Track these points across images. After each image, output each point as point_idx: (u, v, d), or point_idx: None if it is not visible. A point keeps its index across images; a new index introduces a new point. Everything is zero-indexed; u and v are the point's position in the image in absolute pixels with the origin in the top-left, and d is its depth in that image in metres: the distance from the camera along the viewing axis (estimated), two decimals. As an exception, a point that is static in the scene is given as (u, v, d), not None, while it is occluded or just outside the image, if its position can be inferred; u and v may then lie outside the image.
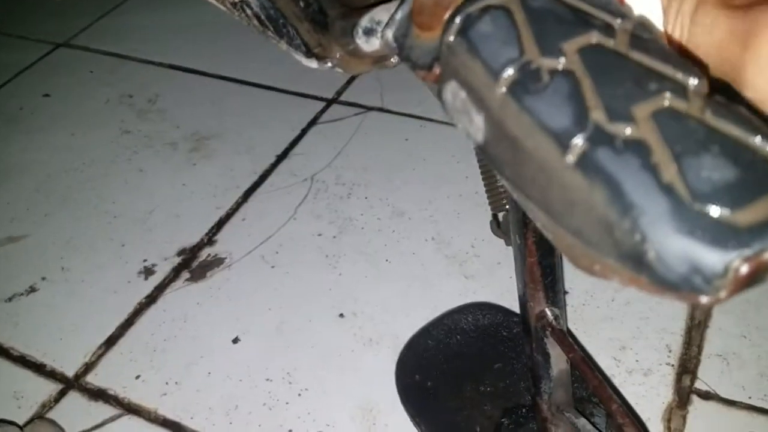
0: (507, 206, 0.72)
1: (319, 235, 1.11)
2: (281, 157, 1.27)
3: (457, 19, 0.32)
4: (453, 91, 0.33)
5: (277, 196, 1.19)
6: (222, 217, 1.16)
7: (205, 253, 1.10)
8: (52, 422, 0.87)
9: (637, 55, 0.29)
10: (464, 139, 1.12)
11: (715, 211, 0.23)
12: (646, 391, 0.85)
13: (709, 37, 0.27)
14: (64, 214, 1.19)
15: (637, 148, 0.25)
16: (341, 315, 0.98)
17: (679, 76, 0.28)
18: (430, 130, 1.28)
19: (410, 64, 0.38)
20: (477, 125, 0.32)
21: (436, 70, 0.36)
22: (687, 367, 0.87)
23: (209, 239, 1.12)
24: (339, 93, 1.40)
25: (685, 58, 0.29)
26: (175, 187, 1.23)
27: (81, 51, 1.63)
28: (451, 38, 0.33)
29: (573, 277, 0.96)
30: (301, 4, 0.52)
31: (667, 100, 0.26)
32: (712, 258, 0.23)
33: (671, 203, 0.24)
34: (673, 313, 0.93)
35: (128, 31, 1.68)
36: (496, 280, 0.99)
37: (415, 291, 1.00)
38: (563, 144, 0.27)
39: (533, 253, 0.66)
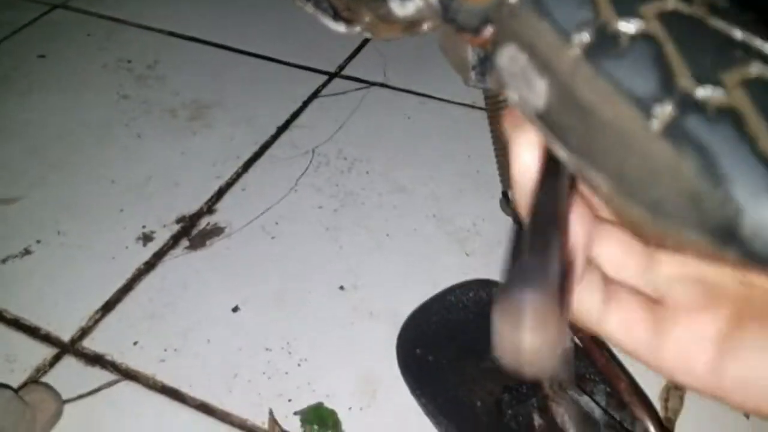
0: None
1: (320, 207, 1.10)
2: (282, 129, 1.26)
3: (524, -20, 0.31)
4: (511, 54, 0.32)
5: (278, 168, 1.18)
6: (222, 187, 1.14)
7: (204, 222, 1.08)
8: (47, 386, 0.85)
9: (717, 22, 0.28)
10: (466, 117, 1.11)
11: (815, 182, 0.22)
12: (644, 370, 0.85)
13: None
14: (60, 177, 1.17)
15: (730, 116, 0.24)
16: (341, 287, 0.97)
17: (762, 45, 0.27)
18: (432, 108, 1.27)
19: (455, 26, 0.37)
20: (538, 91, 0.31)
21: (486, 32, 0.35)
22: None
23: (209, 208, 1.10)
24: (341, 67, 1.38)
25: (763, 27, 0.28)
26: (174, 155, 1.20)
27: (79, 13, 1.58)
28: (514, 0, 0.31)
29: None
30: (334, -36, 0.50)
31: (755, 68, 0.25)
32: (812, 231, 0.22)
33: (768, 176, 0.23)
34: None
35: (126, -6, 1.64)
36: (496, 259, 0.99)
37: (416, 267, 0.99)
38: (647, 111, 0.26)
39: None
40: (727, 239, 0.24)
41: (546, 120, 0.32)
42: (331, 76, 1.37)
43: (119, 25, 1.54)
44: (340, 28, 0.51)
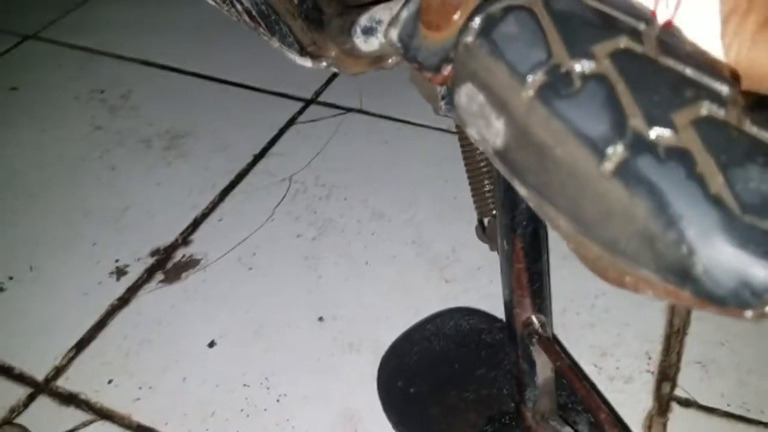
0: (494, 211, 0.71)
1: (298, 236, 1.09)
2: (258, 157, 1.25)
3: (477, 20, 0.31)
4: (469, 93, 0.32)
5: (255, 197, 1.17)
6: (197, 217, 1.13)
7: (179, 254, 1.06)
8: (22, 427, 0.83)
9: (667, 61, 0.28)
10: (443, 143, 1.11)
11: (766, 223, 0.22)
12: (627, 399, 0.85)
13: None
14: (33, 211, 1.15)
15: (681, 157, 0.24)
16: (320, 318, 0.96)
17: (712, 83, 0.27)
18: (409, 133, 1.27)
19: (416, 65, 0.37)
20: (496, 130, 0.31)
21: (445, 71, 0.35)
22: (667, 374, 0.87)
23: (184, 239, 1.09)
24: (317, 93, 1.38)
25: (713, 64, 0.28)
26: (148, 186, 1.19)
27: (50, 44, 1.57)
28: (470, 39, 0.31)
29: (553, 283, 0.96)
30: (295, 0, 0.50)
31: (705, 108, 0.25)
32: (764, 272, 0.22)
33: (720, 215, 0.23)
34: (653, 319, 0.93)
35: (100, 25, 1.63)
36: (477, 285, 0.98)
37: (396, 295, 0.99)
38: (600, 151, 0.25)
39: (521, 259, 0.66)
40: (681, 279, 0.24)
41: (504, 158, 0.32)
42: (308, 102, 1.37)
43: (91, 55, 1.53)
44: (307, 63, 0.51)
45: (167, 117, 1.34)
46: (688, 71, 0.27)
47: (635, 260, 0.26)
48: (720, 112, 0.25)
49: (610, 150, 0.25)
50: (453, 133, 1.24)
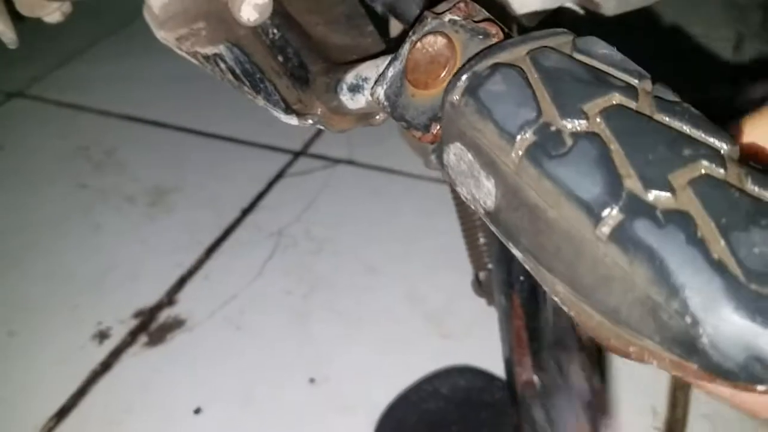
0: (490, 265, 0.70)
1: (288, 293, 1.06)
2: (247, 211, 1.23)
3: (463, 78, 0.30)
4: (457, 153, 0.31)
5: (243, 252, 1.15)
6: (183, 276, 1.10)
7: (164, 315, 1.04)
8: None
9: (662, 118, 0.27)
10: (435, 193, 1.09)
11: (774, 292, 0.20)
12: None
13: None
14: (13, 274, 1.12)
15: (680, 220, 0.23)
16: (312, 380, 0.93)
17: (710, 140, 0.26)
18: (400, 184, 1.27)
19: (405, 123, 0.36)
20: (486, 190, 0.29)
21: (434, 130, 0.34)
22: (674, 429, 0.84)
23: (169, 299, 1.06)
24: (306, 145, 1.38)
25: (711, 121, 0.27)
26: (132, 244, 1.17)
27: (35, 102, 1.57)
28: (456, 98, 0.30)
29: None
30: (280, 58, 0.49)
31: (704, 167, 0.24)
32: (775, 343, 0.20)
33: (725, 283, 0.21)
34: (658, 372, 0.90)
35: (85, 81, 1.63)
36: (475, 340, 0.96)
37: (391, 353, 0.96)
38: (595, 214, 0.24)
39: (520, 315, 0.64)
40: (687, 351, 0.22)
41: (496, 219, 0.31)
42: (297, 154, 1.36)
43: (77, 111, 1.52)
44: (292, 120, 0.50)
45: (153, 172, 1.33)
46: (686, 128, 0.26)
47: (638, 330, 0.24)
48: (720, 172, 0.24)
49: (605, 213, 0.24)
50: (445, 182, 1.23)
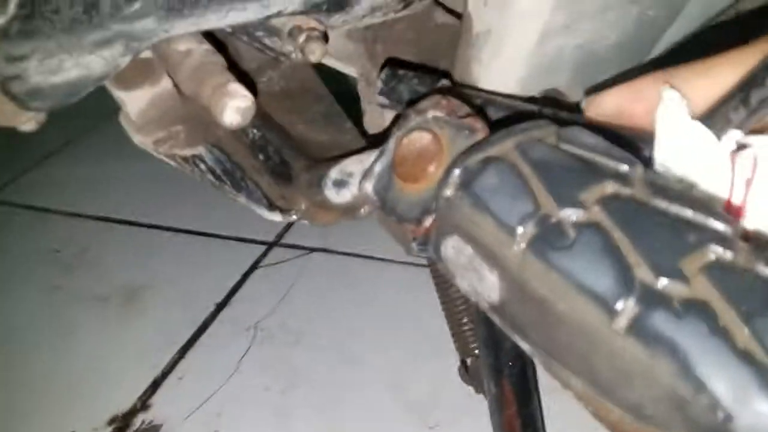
0: (476, 351, 0.68)
1: (267, 389, 1.02)
2: (221, 306, 1.21)
3: (456, 173, 0.30)
4: (456, 246, 0.30)
5: (218, 349, 1.11)
6: (157, 378, 1.06)
7: (138, 420, 0.99)
8: None
9: (659, 203, 0.27)
10: (414, 277, 1.07)
11: (808, 381, 0.20)
12: None
13: None
14: (-23, 386, 1.06)
15: (699, 310, 0.22)
16: (297, 481, 0.88)
17: (712, 223, 0.26)
18: (377, 270, 1.26)
19: (395, 217, 0.35)
20: (490, 283, 0.29)
21: (426, 222, 0.34)
22: None
23: (143, 404, 1.01)
24: (280, 236, 1.37)
25: (708, 202, 0.27)
26: (105, 346, 1.12)
27: (6, 206, 1.55)
28: (449, 192, 0.30)
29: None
30: (261, 157, 0.49)
31: (713, 252, 0.24)
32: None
33: (755, 373, 0.21)
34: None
35: (55, 184, 1.62)
36: (464, 431, 0.92)
37: (376, 447, 0.92)
38: (608, 307, 0.23)
39: (511, 403, 0.62)
40: (720, 445, 0.21)
41: (502, 313, 0.30)
42: (270, 245, 1.35)
43: (47, 214, 1.50)
44: (276, 216, 0.49)
45: (125, 271, 1.30)
46: (686, 212, 0.26)
47: (665, 426, 0.23)
48: (728, 255, 0.24)
49: (619, 305, 0.23)
50: (423, 266, 1.22)
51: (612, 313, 0.23)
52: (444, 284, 0.67)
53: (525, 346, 0.29)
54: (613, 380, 0.24)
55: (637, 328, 0.23)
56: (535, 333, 0.27)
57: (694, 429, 0.22)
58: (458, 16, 0.54)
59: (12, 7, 0.33)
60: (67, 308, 1.22)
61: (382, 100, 0.47)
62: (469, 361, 0.70)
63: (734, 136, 0.28)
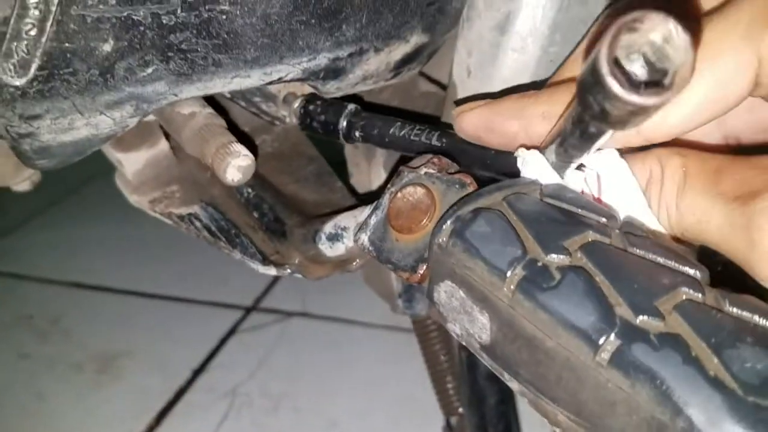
0: (461, 409, 0.69)
1: (246, 456, 1.01)
2: (198, 372, 1.19)
3: (449, 222, 0.33)
4: (448, 290, 0.33)
5: (195, 416, 1.09)
6: (132, 446, 1.04)
7: (113, 491, 0.96)
8: None
9: (636, 250, 0.29)
10: (394, 341, 1.08)
11: (770, 403, 0.22)
12: None
13: (700, 226, 0.28)
14: (-58, 456, 1.02)
15: (673, 342, 0.25)
16: None
17: (684, 269, 0.28)
18: (356, 334, 1.26)
19: (391, 266, 0.37)
20: (481, 324, 0.31)
21: (421, 270, 0.36)
22: None
23: (118, 473, 0.99)
24: (258, 300, 1.37)
25: (678, 249, 0.30)
26: (79, 415, 1.10)
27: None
28: (443, 240, 0.33)
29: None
30: (256, 214, 0.51)
31: (684, 293, 0.27)
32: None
33: (725, 398, 0.23)
34: None
35: (29, 250, 1.61)
36: (446, 494, 0.91)
37: None
38: (593, 342, 0.26)
39: (497, 459, 0.63)
40: (696, 464, 0.23)
41: (492, 353, 0.32)
42: (248, 310, 1.35)
43: (20, 281, 1.49)
44: (271, 271, 0.51)
45: (100, 339, 1.29)
46: (660, 259, 0.28)
47: (646, 452, 0.25)
48: (698, 296, 0.26)
49: (602, 339, 0.26)
50: (403, 330, 1.23)
51: (596, 347, 0.25)
52: (428, 342, 0.68)
53: (514, 385, 0.31)
54: (599, 410, 0.26)
55: (619, 359, 0.25)
56: (525, 371, 0.29)
57: (672, 452, 0.24)
58: (441, 85, 0.58)
59: (32, 69, 0.35)
60: (40, 375, 1.19)
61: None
62: (453, 420, 0.71)
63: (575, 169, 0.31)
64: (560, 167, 0.33)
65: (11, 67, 0.35)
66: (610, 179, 0.31)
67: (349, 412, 1.07)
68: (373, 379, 1.14)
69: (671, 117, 0.27)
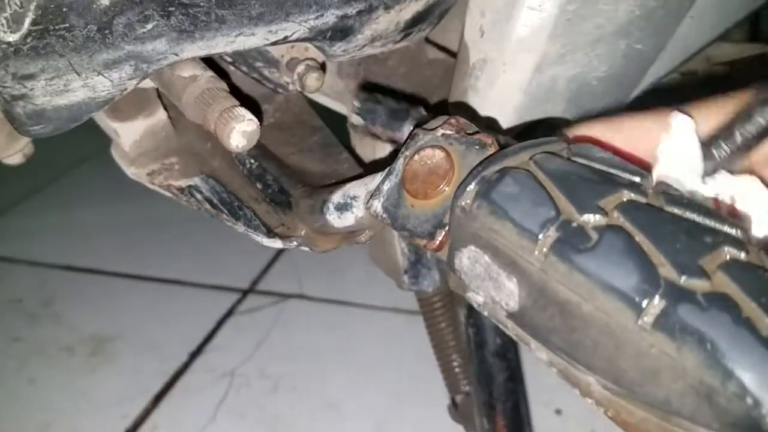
0: (467, 388, 0.68)
1: (245, 438, 0.99)
2: (195, 354, 1.18)
3: (473, 184, 0.31)
4: (472, 256, 0.31)
5: (194, 397, 1.08)
6: (128, 429, 1.02)
7: (109, 475, 0.94)
8: None
9: (673, 210, 0.28)
10: (393, 322, 1.07)
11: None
12: None
13: None
14: (-67, 442, 1.00)
15: (722, 302, 0.23)
16: None
17: (724, 228, 0.27)
18: (354, 315, 1.25)
19: (407, 233, 0.36)
20: (508, 291, 0.29)
21: (439, 237, 0.34)
22: None
23: (114, 456, 0.97)
24: (254, 282, 1.36)
25: (714, 211, 0.28)
26: (72, 398, 1.08)
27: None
28: (466, 203, 0.31)
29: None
30: (259, 186, 0.50)
31: (728, 252, 0.25)
32: None
33: (781, 360, 0.21)
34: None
35: (19, 234, 1.58)
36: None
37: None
38: (636, 304, 0.24)
39: (505, 437, 0.62)
40: (749, 434, 0.22)
41: (521, 320, 0.30)
42: (245, 292, 1.33)
43: (9, 264, 1.46)
44: (276, 243, 0.49)
45: (92, 321, 1.26)
46: (698, 218, 0.27)
47: (692, 419, 0.23)
48: (742, 255, 0.25)
49: (646, 302, 0.24)
50: (402, 311, 1.22)
51: (638, 310, 0.24)
52: (434, 320, 0.67)
53: (543, 354, 0.29)
54: (640, 378, 0.24)
55: (664, 322, 0.23)
56: (558, 338, 0.27)
57: (722, 418, 0.22)
58: (449, 52, 0.56)
59: (26, 23, 0.33)
60: (29, 359, 1.17)
61: (357, 120, 0.48)
62: (459, 398, 0.70)
63: (721, 179, 0.30)
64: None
65: (3, 22, 0.32)
66: (748, 201, 0.29)
67: (347, 393, 1.06)
68: (371, 360, 1.13)
69: None
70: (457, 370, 0.68)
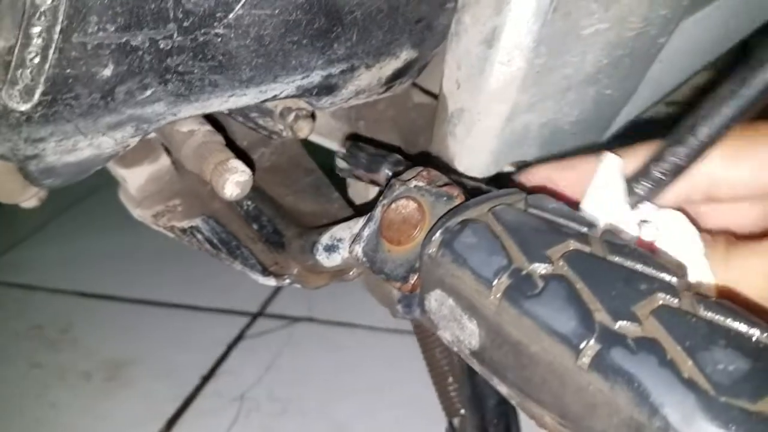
0: (462, 411, 0.70)
1: (255, 461, 1.02)
2: (207, 378, 1.21)
3: (438, 233, 0.34)
4: (438, 298, 0.34)
5: (205, 422, 1.11)
6: (143, 452, 1.05)
7: (124, 497, 0.97)
8: None
9: (614, 258, 0.31)
10: (399, 344, 1.10)
11: (742, 402, 0.23)
12: None
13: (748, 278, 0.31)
14: (-43, 467, 1.04)
15: (650, 346, 0.26)
16: None
17: (661, 275, 0.29)
18: (362, 337, 1.27)
19: (384, 276, 0.39)
20: (470, 331, 0.32)
21: (412, 280, 0.37)
22: None
23: (129, 480, 1.00)
24: (264, 306, 1.39)
25: (656, 259, 0.31)
26: (90, 422, 1.12)
27: (-12, 282, 1.56)
28: (433, 250, 0.34)
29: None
30: (255, 226, 0.53)
31: (661, 299, 0.28)
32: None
33: (698, 398, 0.24)
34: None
35: (37, 262, 1.63)
36: (451, 493, 0.93)
37: None
38: (574, 346, 0.27)
39: (498, 458, 0.64)
40: (671, 463, 0.24)
41: (481, 358, 0.33)
42: (255, 316, 1.37)
43: (30, 292, 1.51)
44: (270, 281, 0.52)
45: (109, 347, 1.31)
46: (637, 266, 0.30)
47: (627, 450, 0.26)
48: (674, 301, 0.28)
49: (583, 344, 0.27)
50: (408, 333, 1.24)
51: (577, 352, 0.27)
52: (428, 345, 0.69)
53: (503, 388, 0.32)
54: (581, 413, 0.27)
55: (599, 363, 0.26)
56: (512, 374, 0.30)
57: (649, 450, 0.25)
58: (434, 96, 0.59)
59: (37, 94, 0.36)
60: (50, 385, 1.21)
61: (342, 163, 0.51)
62: (455, 421, 0.72)
63: (645, 209, 0.34)
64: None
65: (17, 94, 0.36)
66: (670, 229, 0.33)
67: (355, 415, 1.09)
68: (379, 382, 1.15)
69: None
70: (452, 393, 0.71)
